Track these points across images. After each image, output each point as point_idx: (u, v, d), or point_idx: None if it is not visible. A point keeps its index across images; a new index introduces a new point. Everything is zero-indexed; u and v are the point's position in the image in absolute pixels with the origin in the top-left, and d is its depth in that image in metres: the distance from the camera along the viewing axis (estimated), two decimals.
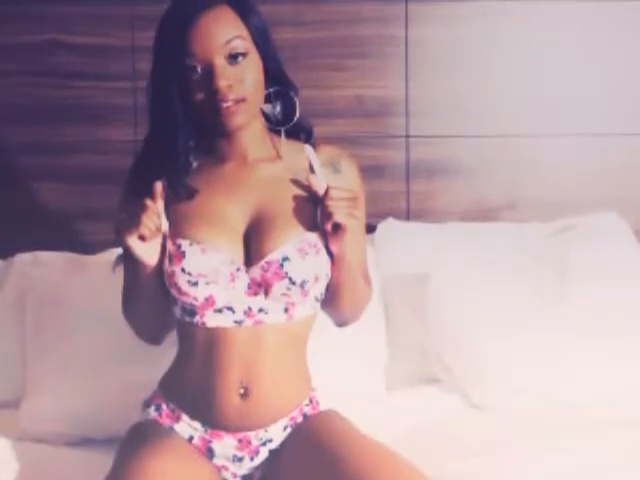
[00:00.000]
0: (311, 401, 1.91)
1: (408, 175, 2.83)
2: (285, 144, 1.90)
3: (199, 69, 1.78)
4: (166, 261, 1.79)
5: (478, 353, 2.38)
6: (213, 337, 1.80)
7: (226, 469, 1.85)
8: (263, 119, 1.89)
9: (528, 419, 2.26)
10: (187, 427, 1.85)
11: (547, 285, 2.47)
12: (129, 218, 1.74)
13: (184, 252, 1.78)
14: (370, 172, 2.65)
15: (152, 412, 1.88)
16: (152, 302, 1.85)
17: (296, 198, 1.83)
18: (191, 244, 1.79)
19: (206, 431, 1.84)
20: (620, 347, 2.38)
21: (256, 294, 1.79)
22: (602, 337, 2.38)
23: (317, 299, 1.88)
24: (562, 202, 2.84)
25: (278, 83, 1.87)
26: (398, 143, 2.83)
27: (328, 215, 1.76)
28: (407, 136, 2.82)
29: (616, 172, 2.87)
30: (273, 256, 1.78)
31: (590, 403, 2.32)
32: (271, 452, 1.85)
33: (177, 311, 1.85)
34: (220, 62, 1.77)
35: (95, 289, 2.35)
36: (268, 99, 1.87)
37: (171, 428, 1.85)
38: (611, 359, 2.37)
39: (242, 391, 1.80)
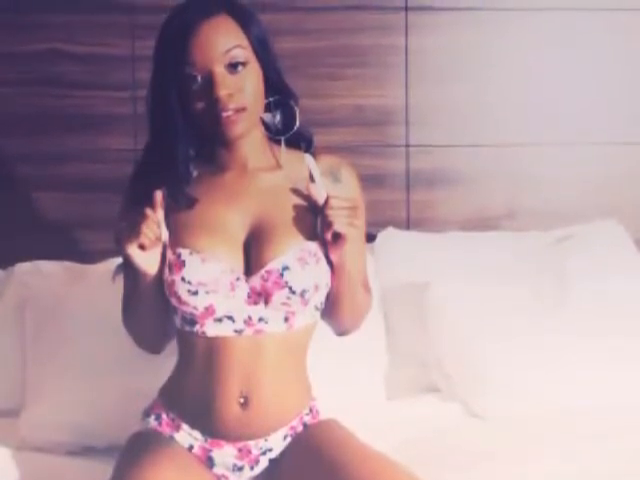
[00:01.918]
0: (311, 410, 1.91)
1: (408, 184, 2.83)
2: (285, 153, 1.90)
3: (199, 78, 1.78)
4: (166, 270, 1.79)
5: (478, 361, 2.38)
6: (213, 346, 1.80)
7: (226, 478, 1.84)
8: (263, 128, 1.89)
9: (528, 427, 2.25)
10: (187, 436, 1.84)
11: (547, 294, 2.47)
12: (129, 227, 1.74)
13: (184, 261, 1.78)
14: (370, 181, 2.64)
15: (152, 421, 1.88)
16: (152, 311, 1.85)
17: (296, 207, 1.82)
18: (191, 253, 1.78)
19: (206, 440, 1.83)
20: (620, 355, 2.38)
21: (256, 303, 1.79)
22: (602, 346, 2.38)
23: (317, 308, 1.87)
24: (562, 211, 2.84)
25: (278, 92, 1.87)
26: (398, 152, 2.83)
27: (328, 224, 1.76)
28: (407, 145, 2.82)
29: (616, 181, 2.87)
30: (273, 265, 1.78)
31: (590, 410, 2.32)
32: (271, 461, 1.85)
33: (177, 320, 1.85)
34: (220, 71, 1.77)
35: (95, 298, 2.35)
36: (268, 108, 1.87)
37: (171, 437, 1.85)
38: (612, 367, 2.37)
39: (242, 400, 1.80)
